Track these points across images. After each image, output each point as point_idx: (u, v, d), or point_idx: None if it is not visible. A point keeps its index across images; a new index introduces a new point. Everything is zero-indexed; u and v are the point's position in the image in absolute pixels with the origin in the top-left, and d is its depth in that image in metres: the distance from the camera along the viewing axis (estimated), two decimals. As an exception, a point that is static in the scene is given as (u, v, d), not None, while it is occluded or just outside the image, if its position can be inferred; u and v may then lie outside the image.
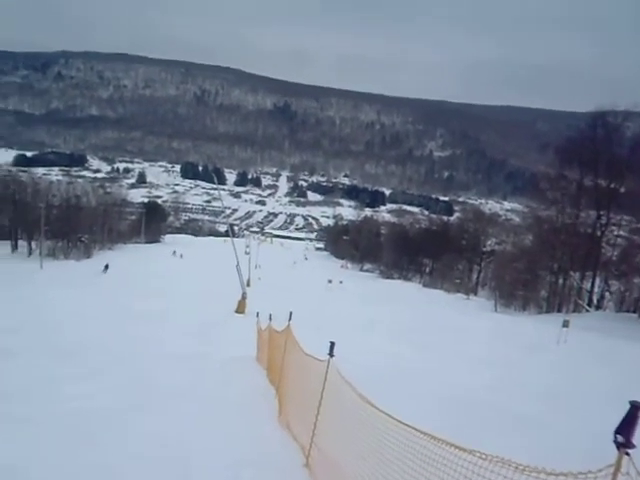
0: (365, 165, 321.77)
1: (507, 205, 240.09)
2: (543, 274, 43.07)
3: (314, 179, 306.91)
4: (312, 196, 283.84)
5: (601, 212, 38.73)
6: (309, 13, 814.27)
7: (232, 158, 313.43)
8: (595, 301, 38.64)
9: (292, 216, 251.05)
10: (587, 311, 35.98)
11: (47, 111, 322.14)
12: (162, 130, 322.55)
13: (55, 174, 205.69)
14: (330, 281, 47.83)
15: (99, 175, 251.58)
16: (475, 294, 55.38)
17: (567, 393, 12.12)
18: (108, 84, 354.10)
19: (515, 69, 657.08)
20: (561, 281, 41.26)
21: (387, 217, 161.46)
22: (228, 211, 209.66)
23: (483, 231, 66.85)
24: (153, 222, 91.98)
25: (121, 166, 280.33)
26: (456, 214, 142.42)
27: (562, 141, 46.79)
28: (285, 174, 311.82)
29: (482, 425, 8.18)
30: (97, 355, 13.31)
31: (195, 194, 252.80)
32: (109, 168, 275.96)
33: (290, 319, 8.45)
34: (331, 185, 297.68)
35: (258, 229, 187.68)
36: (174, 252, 66.60)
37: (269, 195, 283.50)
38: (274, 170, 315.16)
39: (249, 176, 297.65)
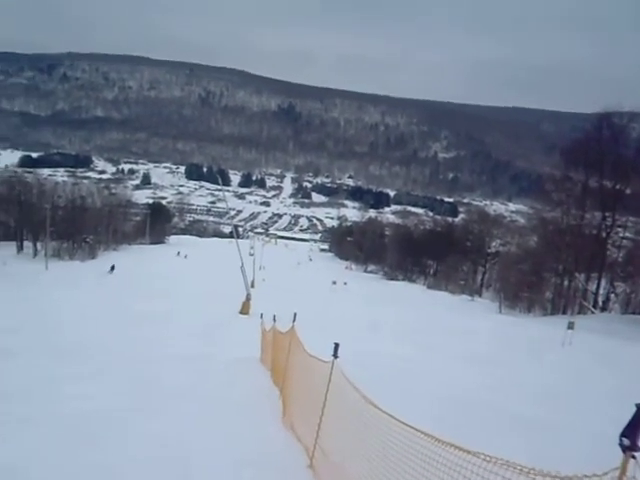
0: (369, 166, 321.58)
1: (512, 206, 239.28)
2: (548, 276, 42.91)
3: (318, 180, 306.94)
4: (316, 197, 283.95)
5: (606, 213, 38.56)
6: (314, 14, 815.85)
7: (237, 159, 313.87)
8: (600, 303, 38.45)
9: (296, 217, 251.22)
10: (592, 313, 35.81)
11: (53, 112, 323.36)
12: (167, 131, 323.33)
13: (60, 175, 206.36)
14: (334, 282, 47.84)
15: (104, 176, 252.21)
16: (480, 296, 55.20)
17: (571, 395, 12.07)
18: (113, 85, 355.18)
19: (520, 70, 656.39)
20: (566, 283, 41.09)
21: (391, 218, 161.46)
22: (232, 212, 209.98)
23: (488, 232, 66.68)
24: (158, 223, 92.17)
25: (126, 167, 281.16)
26: (461, 215, 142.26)
27: (567, 142, 46.67)
28: (289, 175, 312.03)
29: (485, 426, 8.16)
30: (99, 355, 13.35)
31: (200, 195, 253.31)
32: (114, 169, 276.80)
33: (294, 320, 8.44)
34: (335, 186, 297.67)
35: (262, 230, 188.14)
36: (178, 253, 66.75)
37: (273, 196, 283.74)
38: (278, 171, 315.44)
39: (253, 177, 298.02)
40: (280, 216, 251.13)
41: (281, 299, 27.27)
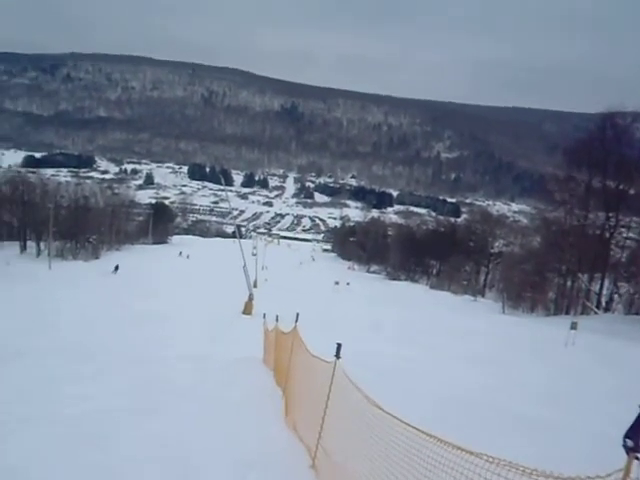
0: (372, 166, 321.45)
1: (515, 207, 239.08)
2: (551, 276, 42.86)
3: (321, 180, 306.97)
4: (319, 197, 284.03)
5: (610, 214, 38.49)
6: (317, 14, 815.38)
7: (239, 159, 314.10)
8: (604, 303, 38.37)
9: (299, 217, 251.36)
10: (595, 313, 35.74)
11: (56, 112, 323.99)
12: (170, 131, 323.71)
13: (64, 175, 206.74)
14: (337, 282, 47.87)
15: (107, 176, 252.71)
16: (483, 296, 55.17)
17: (574, 395, 12.04)
18: (116, 86, 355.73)
19: (523, 70, 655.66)
20: (569, 283, 41.03)
21: (394, 218, 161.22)
22: (235, 212, 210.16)
23: (491, 233, 66.62)
24: (160, 223, 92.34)
25: (129, 167, 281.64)
26: (463, 215, 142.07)
27: (570, 142, 46.60)
28: (292, 175, 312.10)
29: (488, 426, 8.14)
30: (100, 355, 13.34)
31: (202, 195, 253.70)
32: (117, 169, 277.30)
33: (297, 320, 8.44)
34: (338, 186, 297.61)
35: (265, 230, 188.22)
36: (180, 253, 66.82)
37: (276, 196, 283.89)
38: (281, 171, 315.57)
39: (256, 177, 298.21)
40: (283, 216, 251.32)
41: (284, 299, 27.31)
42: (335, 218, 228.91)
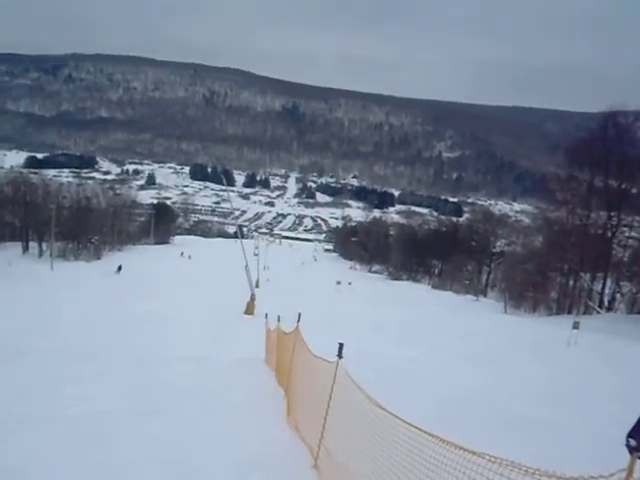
0: (374, 166, 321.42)
1: (517, 206, 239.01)
2: (553, 275, 42.81)
3: (323, 180, 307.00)
4: (321, 197, 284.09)
5: (612, 213, 38.42)
6: (319, 14, 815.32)
7: (241, 160, 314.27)
8: (606, 303, 38.31)
9: (301, 217, 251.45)
10: (598, 313, 35.68)
11: (57, 113, 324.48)
12: (171, 132, 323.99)
13: (65, 176, 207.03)
14: (339, 282, 47.87)
15: (109, 177, 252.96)
16: (485, 295, 55.14)
17: (575, 395, 12.02)
18: (118, 86, 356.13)
19: (524, 70, 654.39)
20: (571, 282, 40.97)
21: (396, 218, 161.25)
22: (237, 212, 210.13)
23: (493, 232, 66.57)
24: (162, 223, 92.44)
25: (130, 168, 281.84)
26: (465, 215, 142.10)
27: (572, 142, 46.52)
28: (294, 175, 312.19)
29: (490, 427, 8.12)
30: (101, 356, 13.33)
31: (204, 195, 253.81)
32: (119, 170, 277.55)
33: (299, 320, 8.43)
34: (340, 186, 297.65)
35: (267, 230, 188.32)
36: (182, 253, 66.85)
37: (278, 196, 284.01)
38: (283, 171, 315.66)
39: (258, 177, 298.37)
40: (284, 216, 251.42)
41: (285, 299, 27.31)
42: (337, 218, 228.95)
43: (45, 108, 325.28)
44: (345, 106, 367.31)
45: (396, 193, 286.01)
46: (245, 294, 28.87)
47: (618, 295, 39.15)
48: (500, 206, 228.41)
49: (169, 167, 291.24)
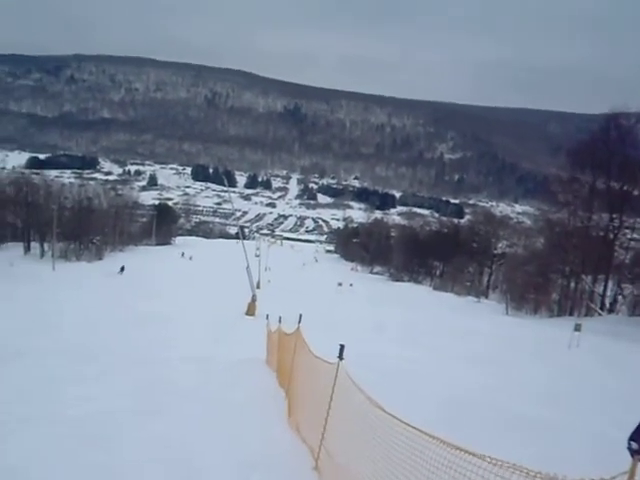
0: (375, 167, 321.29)
1: (518, 208, 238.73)
2: (555, 277, 42.77)
3: (324, 181, 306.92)
4: (322, 198, 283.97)
5: (614, 215, 38.40)
6: (320, 15, 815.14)
7: (243, 161, 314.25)
8: (608, 305, 38.26)
9: (302, 218, 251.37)
10: (599, 315, 35.65)
11: (60, 114, 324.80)
12: (173, 133, 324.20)
13: (67, 176, 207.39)
14: (340, 283, 47.86)
15: (111, 177, 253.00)
16: (486, 297, 55.11)
17: (577, 396, 12.01)
18: (120, 87, 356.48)
19: (526, 71, 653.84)
20: (573, 284, 40.94)
21: (397, 220, 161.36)
22: (238, 213, 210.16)
23: (494, 234, 66.53)
24: (164, 224, 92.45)
25: (132, 168, 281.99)
26: (467, 217, 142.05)
27: (574, 143, 46.49)
28: (295, 176, 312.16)
29: (492, 428, 8.12)
30: (103, 356, 13.35)
31: (206, 196, 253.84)
32: (120, 170, 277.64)
33: (300, 321, 8.44)
34: (341, 187, 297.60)
35: (268, 231, 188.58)
36: (182, 254, 66.81)
37: (279, 197, 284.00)
38: (284, 172, 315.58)
39: (259, 179, 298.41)
40: (286, 217, 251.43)
41: (287, 300, 27.31)
42: (338, 219, 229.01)
43: (47, 109, 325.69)
44: (347, 107, 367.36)
45: (397, 194, 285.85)
46: (246, 295, 28.88)
47: (620, 297, 39.11)
48: (501, 208, 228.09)
49: (171, 168, 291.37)
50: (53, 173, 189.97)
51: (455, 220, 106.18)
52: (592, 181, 39.73)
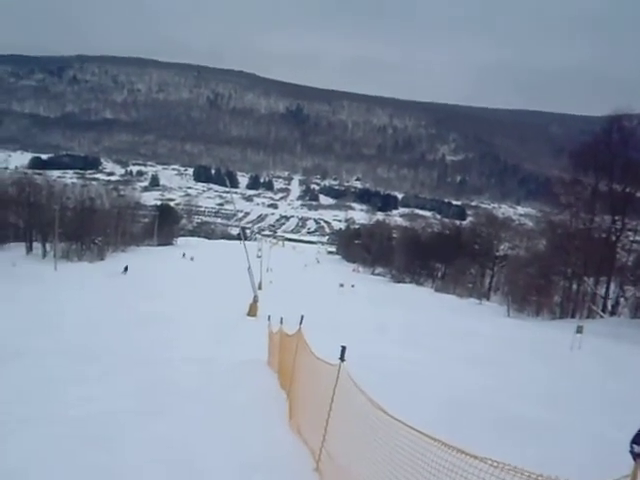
0: (377, 169, 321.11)
1: (520, 210, 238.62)
2: (557, 279, 42.70)
3: (326, 183, 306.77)
4: (324, 200, 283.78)
5: (616, 217, 38.34)
6: (320, 16, 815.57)
7: (244, 161, 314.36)
8: (610, 307, 38.21)
9: (304, 220, 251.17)
10: (601, 317, 35.60)
11: (62, 114, 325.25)
12: (175, 133, 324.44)
13: (70, 177, 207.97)
14: (342, 285, 47.82)
15: (113, 178, 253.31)
16: (488, 299, 55.05)
17: (579, 399, 11.99)
18: (122, 88, 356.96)
19: (528, 72, 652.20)
20: (575, 286, 40.88)
21: (399, 221, 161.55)
22: (240, 214, 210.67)
23: (496, 235, 66.50)
24: (166, 225, 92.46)
25: (134, 169, 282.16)
26: (469, 218, 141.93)
27: (576, 145, 46.44)
28: (297, 177, 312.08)
29: (493, 430, 8.11)
30: (105, 357, 13.35)
31: (208, 197, 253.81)
32: (123, 171, 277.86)
33: (301, 323, 8.43)
34: (343, 189, 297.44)
35: (270, 232, 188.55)
36: (184, 255, 66.80)
37: (281, 198, 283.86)
38: (286, 173, 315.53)
39: (261, 179, 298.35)
40: (288, 218, 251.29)
41: (288, 301, 27.27)
42: (340, 220, 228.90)
43: (50, 109, 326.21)
44: (349, 108, 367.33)
45: (399, 196, 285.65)
46: (248, 296, 28.85)
47: (622, 299, 39.05)
48: (504, 209, 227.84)
49: (173, 169, 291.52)
50: (55, 173, 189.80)
51: (457, 222, 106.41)
52: (594, 183, 39.70)
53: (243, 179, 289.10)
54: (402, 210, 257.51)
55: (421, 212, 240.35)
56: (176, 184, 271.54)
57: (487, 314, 39.24)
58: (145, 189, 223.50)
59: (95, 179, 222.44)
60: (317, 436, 5.99)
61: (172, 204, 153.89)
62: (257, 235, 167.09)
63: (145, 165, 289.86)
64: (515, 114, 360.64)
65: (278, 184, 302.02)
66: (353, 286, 50.76)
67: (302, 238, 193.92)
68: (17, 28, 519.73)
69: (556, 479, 2.53)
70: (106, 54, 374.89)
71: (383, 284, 66.28)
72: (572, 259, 40.21)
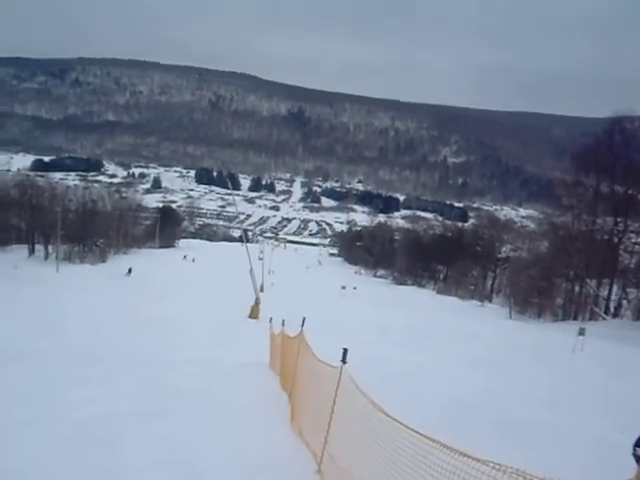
0: (379, 171, 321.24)
1: (522, 211, 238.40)
2: (559, 281, 42.63)
3: (328, 185, 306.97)
4: (326, 202, 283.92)
5: (618, 219, 38.27)
6: (323, 19, 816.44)
7: (246, 164, 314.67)
8: (612, 309, 38.12)
9: (306, 222, 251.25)
10: (604, 319, 35.53)
11: (64, 117, 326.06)
12: (177, 136, 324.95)
13: (72, 179, 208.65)
14: (344, 287, 47.81)
15: (115, 180, 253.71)
16: (490, 301, 54.97)
17: (578, 400, 11.97)
18: (124, 90, 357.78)
19: (530, 74, 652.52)
20: (577, 288, 40.79)
21: (401, 223, 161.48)
22: (242, 216, 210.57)
23: (498, 237, 66.44)
24: (168, 227, 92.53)
25: (137, 171, 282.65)
26: (471, 220, 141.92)
27: (578, 147, 46.41)
28: (299, 180, 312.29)
29: (495, 432, 8.10)
30: (107, 359, 13.35)
31: (210, 199, 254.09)
32: (125, 173, 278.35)
33: (303, 325, 8.43)
34: (345, 191, 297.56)
35: (272, 234, 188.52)
36: (185, 257, 66.79)
37: (283, 201, 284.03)
38: (288, 176, 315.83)
39: (263, 182, 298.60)
40: (289, 220, 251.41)
41: (290, 303, 27.27)
42: (342, 222, 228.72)
43: (52, 111, 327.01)
44: (350, 111, 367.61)
45: (401, 198, 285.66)
46: (250, 298, 28.87)
47: (624, 301, 38.93)
48: (505, 211, 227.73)
49: (175, 171, 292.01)
50: (58, 175, 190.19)
51: (459, 224, 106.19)
52: (596, 185, 39.65)
53: (245, 181, 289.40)
54: (404, 212, 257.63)
55: (423, 214, 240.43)
56: (178, 186, 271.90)
57: (489, 316, 39.20)
58: (147, 191, 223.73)
59: (97, 181, 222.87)
60: (319, 438, 5.98)
61: (174, 206, 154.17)
62: (259, 237, 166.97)
63: (147, 167, 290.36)
64: (516, 116, 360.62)
65: (280, 186, 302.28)
66: (355, 288, 50.76)
67: (304, 240, 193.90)
68: (19, 31, 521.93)
69: (558, 481, 2.52)
70: (108, 56, 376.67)
71: (385, 286, 66.26)
72: (574, 261, 40.15)
